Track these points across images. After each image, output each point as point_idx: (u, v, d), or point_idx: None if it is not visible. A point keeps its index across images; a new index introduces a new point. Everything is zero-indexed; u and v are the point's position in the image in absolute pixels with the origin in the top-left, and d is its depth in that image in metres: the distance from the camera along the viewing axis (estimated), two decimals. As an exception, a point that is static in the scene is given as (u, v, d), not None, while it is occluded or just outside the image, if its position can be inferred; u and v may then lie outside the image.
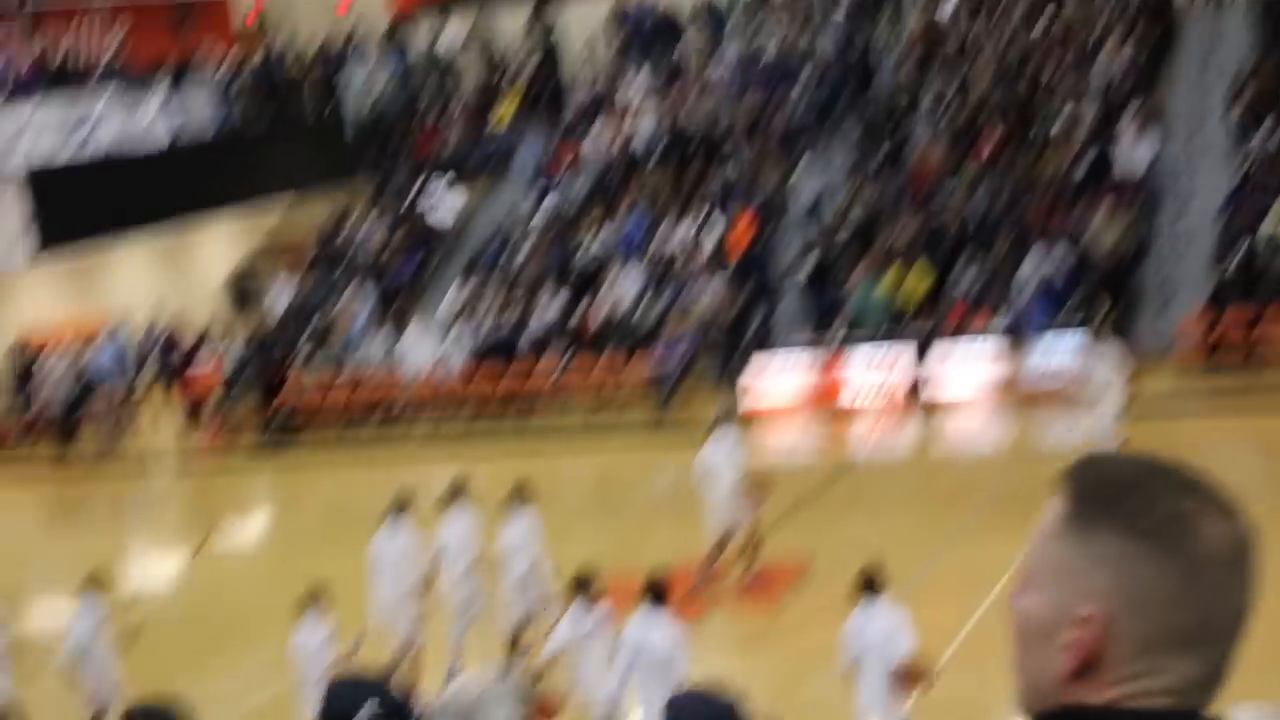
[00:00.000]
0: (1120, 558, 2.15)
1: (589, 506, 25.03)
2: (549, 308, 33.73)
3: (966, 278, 30.60)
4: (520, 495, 17.87)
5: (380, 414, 33.78)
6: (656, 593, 13.06)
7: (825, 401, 29.42)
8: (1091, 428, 21.70)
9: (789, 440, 28.04)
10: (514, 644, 17.23)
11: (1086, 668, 2.15)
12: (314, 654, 14.92)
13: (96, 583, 16.33)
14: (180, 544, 26.25)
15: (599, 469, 28.66)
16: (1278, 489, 20.13)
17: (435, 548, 17.73)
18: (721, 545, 19.33)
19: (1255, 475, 21.90)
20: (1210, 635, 2.15)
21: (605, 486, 27.31)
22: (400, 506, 17.70)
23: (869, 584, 12.60)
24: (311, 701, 14.76)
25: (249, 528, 29.38)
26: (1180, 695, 2.14)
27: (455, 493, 18.13)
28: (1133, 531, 2.15)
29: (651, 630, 12.75)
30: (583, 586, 14.05)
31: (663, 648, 12.62)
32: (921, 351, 29.31)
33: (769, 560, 19.70)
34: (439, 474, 29.48)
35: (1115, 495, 2.18)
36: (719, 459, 19.27)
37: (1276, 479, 21.59)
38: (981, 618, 16.99)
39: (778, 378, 30.34)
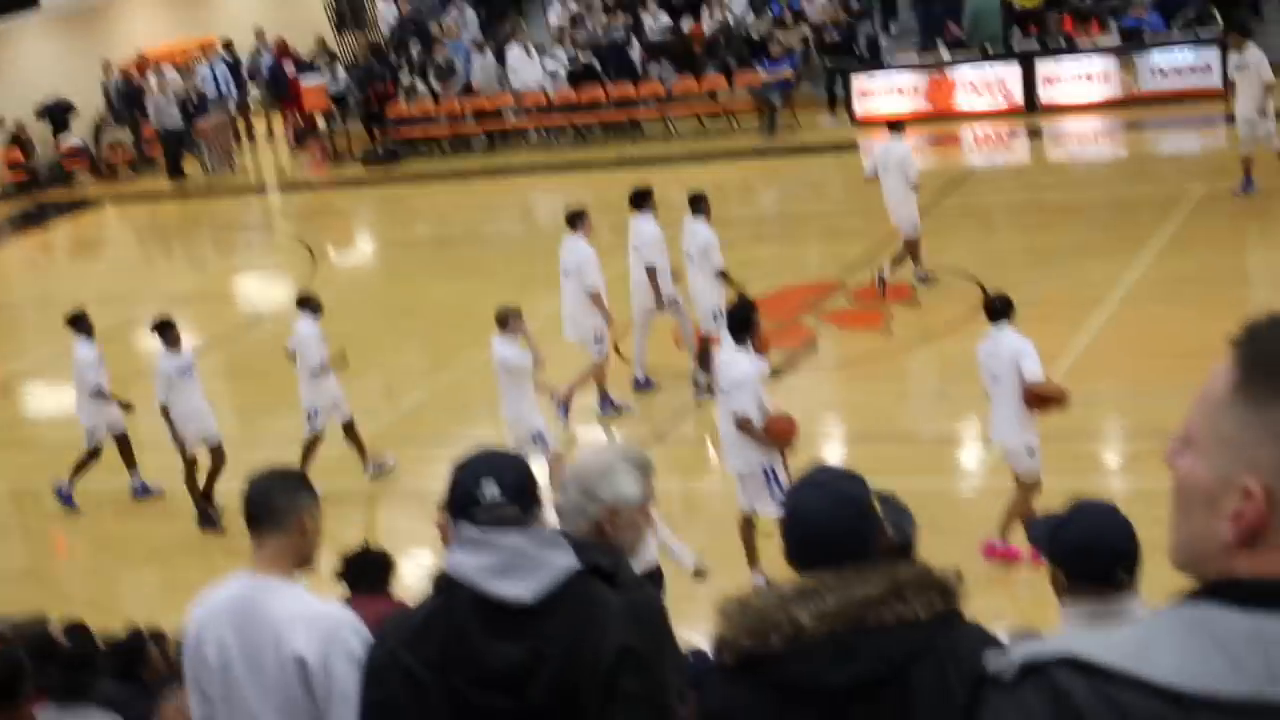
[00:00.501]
0: None
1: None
2: (655, 23, 33.32)
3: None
4: (698, 204, 17.86)
5: (485, 134, 33.74)
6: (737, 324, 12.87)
7: (936, 114, 28.95)
8: (1241, 133, 21.14)
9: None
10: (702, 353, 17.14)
11: (1249, 539, 2.12)
12: (505, 370, 14.92)
13: (310, 302, 16.40)
14: (287, 269, 26.43)
15: (705, 185, 28.49)
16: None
17: (632, 246, 17.67)
18: (911, 248, 19.28)
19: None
20: None
21: (713, 200, 27.09)
22: (573, 220, 17.48)
23: (993, 310, 12.43)
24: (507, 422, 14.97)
25: (357, 252, 29.56)
26: None
27: (641, 199, 17.96)
28: None
29: (733, 362, 12.65)
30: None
31: (734, 378, 12.51)
32: (1033, 63, 28.70)
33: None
34: (547, 191, 29.59)
35: None
36: (893, 161, 19.06)
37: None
38: (1091, 341, 16.81)
39: (888, 90, 29.87)
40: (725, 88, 31.60)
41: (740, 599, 4.15)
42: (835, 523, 4.18)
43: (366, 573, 8.76)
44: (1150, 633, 2.12)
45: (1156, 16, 28.47)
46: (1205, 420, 2.19)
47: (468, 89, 33.95)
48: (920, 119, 28.33)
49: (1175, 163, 23.63)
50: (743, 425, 12.38)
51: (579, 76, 32.76)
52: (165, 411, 15.88)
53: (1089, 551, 5.07)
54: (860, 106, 29.90)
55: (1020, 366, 12.06)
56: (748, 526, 12.74)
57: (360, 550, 8.98)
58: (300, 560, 5.71)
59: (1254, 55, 20.92)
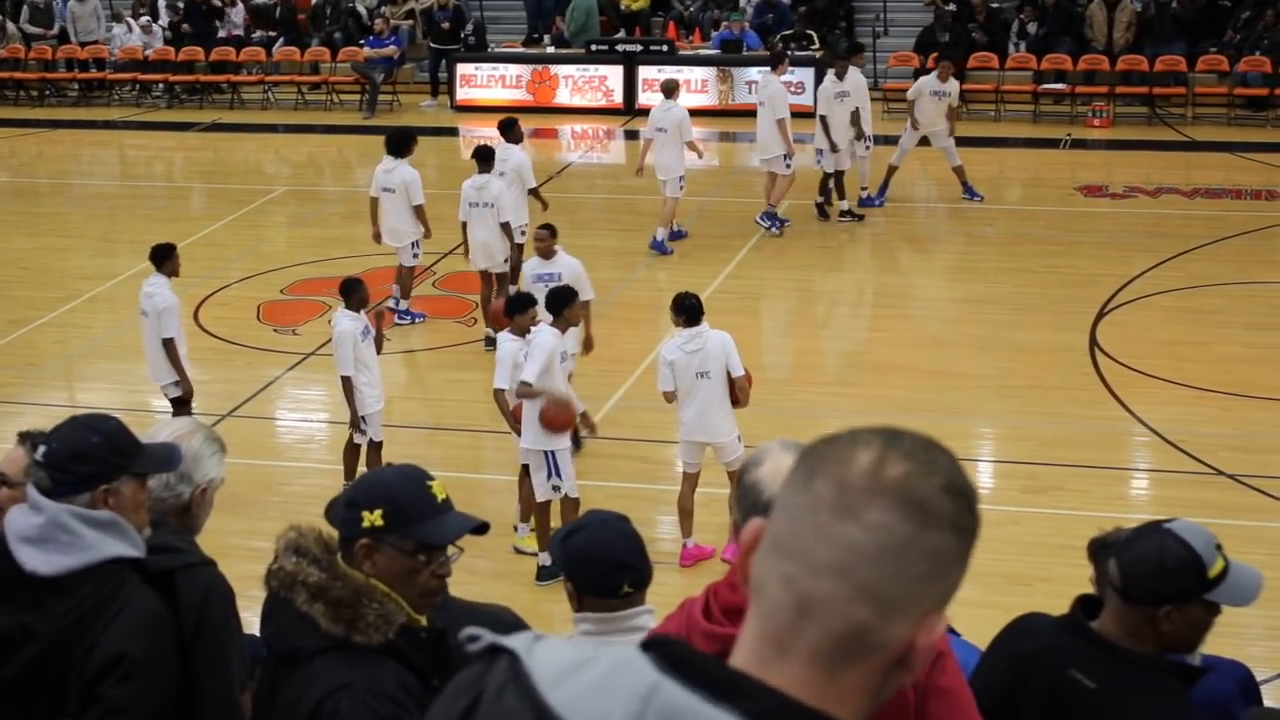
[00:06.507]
0: None
1: (288, 195, 24.58)
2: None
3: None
4: None
5: (79, 84, 32.78)
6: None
7: (537, 108, 29.17)
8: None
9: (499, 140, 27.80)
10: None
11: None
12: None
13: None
14: None
15: (301, 159, 28.20)
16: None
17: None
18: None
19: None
20: None
21: (307, 174, 26.86)
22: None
23: (694, 310, 12.23)
24: None
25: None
26: None
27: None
28: None
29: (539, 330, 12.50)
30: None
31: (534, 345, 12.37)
32: (635, 66, 29.17)
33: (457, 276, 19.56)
34: (138, 149, 28.84)
35: None
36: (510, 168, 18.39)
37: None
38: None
39: (492, 79, 30.01)
40: (328, 60, 31.29)
41: (300, 527, 4.31)
42: (337, 508, 4.31)
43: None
44: (589, 662, 2.05)
45: (754, 34, 29.28)
46: None
47: (64, 36, 32.89)
48: (522, 109, 28.58)
49: (765, 177, 24.20)
50: (521, 390, 12.08)
51: (180, 34, 32.05)
52: None
53: (591, 562, 5.08)
54: (462, 93, 29.98)
55: (729, 361, 12.15)
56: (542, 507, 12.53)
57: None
58: None
59: (954, 85, 22.38)
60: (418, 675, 4.15)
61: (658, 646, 2.04)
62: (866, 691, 2.05)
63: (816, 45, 28.83)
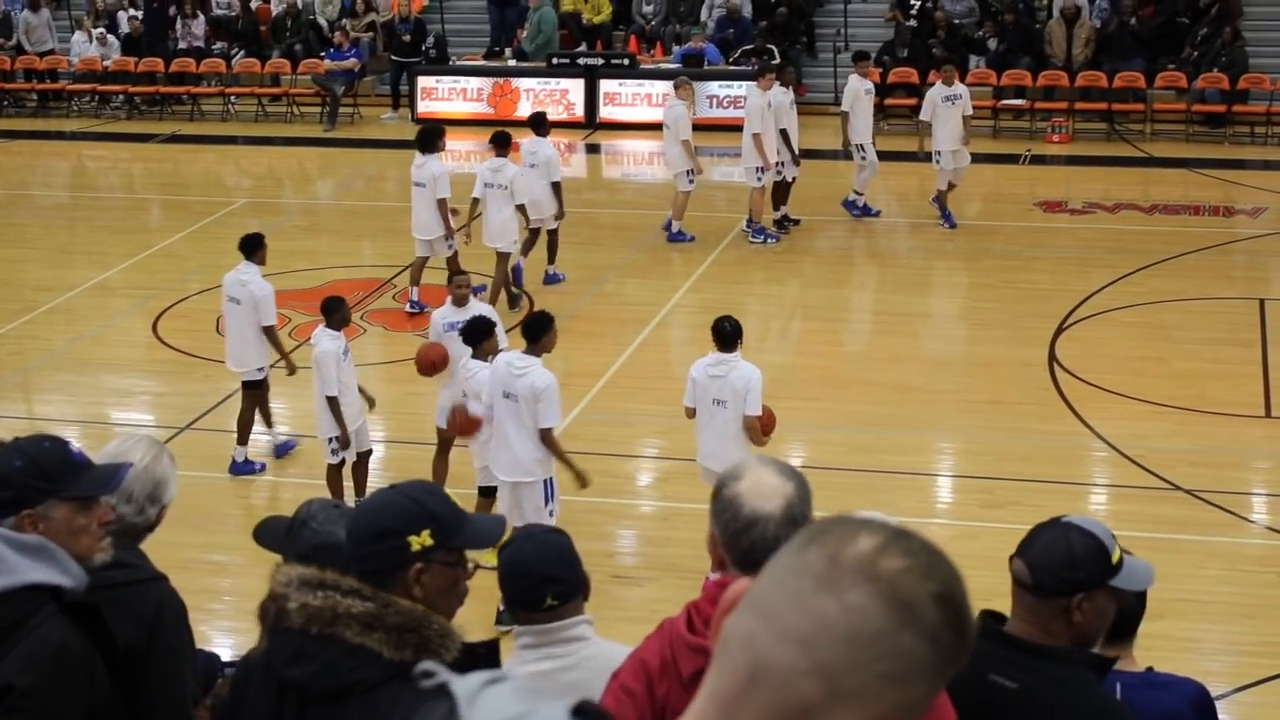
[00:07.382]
0: None
1: (248, 208, 24.50)
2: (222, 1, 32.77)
3: (650, 7, 30.52)
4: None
5: (36, 95, 32.63)
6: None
7: (498, 120, 29.14)
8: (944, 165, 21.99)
9: (461, 152, 27.83)
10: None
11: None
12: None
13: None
14: None
15: (261, 171, 28.13)
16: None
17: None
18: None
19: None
20: None
21: (267, 186, 26.80)
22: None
23: (729, 335, 11.76)
24: None
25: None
26: None
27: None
28: None
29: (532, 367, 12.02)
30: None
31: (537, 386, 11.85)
32: (596, 79, 29.18)
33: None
34: (96, 160, 28.71)
35: None
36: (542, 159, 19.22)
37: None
38: (626, 360, 17.14)
39: (453, 91, 29.97)
40: (289, 72, 31.22)
41: (293, 563, 4.17)
42: (355, 535, 4.19)
43: None
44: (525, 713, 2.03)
45: (714, 48, 29.33)
46: None
47: (20, 47, 32.75)
48: (483, 122, 28.56)
49: (725, 190, 24.24)
50: (545, 436, 11.62)
51: (139, 46, 31.95)
52: None
53: (514, 576, 5.11)
54: (423, 106, 29.93)
55: (749, 398, 11.64)
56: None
57: None
58: None
59: (962, 88, 22.16)
60: None
61: (586, 714, 2.02)
62: None
63: (777, 60, 28.86)
